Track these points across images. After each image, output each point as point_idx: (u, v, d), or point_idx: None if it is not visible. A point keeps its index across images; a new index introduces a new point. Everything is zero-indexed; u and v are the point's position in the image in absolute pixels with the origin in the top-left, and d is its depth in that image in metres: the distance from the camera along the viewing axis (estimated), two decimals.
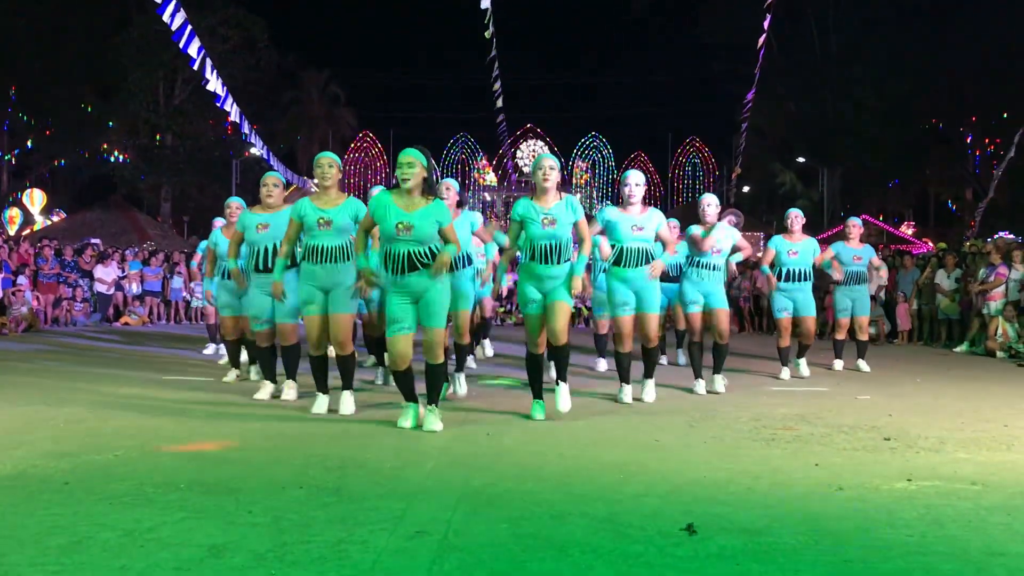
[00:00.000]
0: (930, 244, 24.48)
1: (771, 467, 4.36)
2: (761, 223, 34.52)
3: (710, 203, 7.60)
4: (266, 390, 6.62)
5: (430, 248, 5.15)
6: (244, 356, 7.87)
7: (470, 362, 8.94)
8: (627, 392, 6.66)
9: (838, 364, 9.42)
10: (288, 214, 6.23)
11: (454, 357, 6.94)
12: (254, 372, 7.70)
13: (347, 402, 5.92)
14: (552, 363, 5.97)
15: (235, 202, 8.08)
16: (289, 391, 6.55)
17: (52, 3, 30.46)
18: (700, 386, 7.36)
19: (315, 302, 5.90)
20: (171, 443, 4.82)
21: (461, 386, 6.83)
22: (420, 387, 5.43)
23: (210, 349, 10.28)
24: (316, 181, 6.02)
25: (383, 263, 5.22)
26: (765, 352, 10.92)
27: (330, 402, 5.99)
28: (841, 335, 9.56)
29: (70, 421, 5.48)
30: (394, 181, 5.31)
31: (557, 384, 5.84)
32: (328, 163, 5.94)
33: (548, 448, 4.81)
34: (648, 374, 6.81)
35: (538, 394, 5.90)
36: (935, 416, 6.17)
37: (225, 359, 8.40)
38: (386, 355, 6.12)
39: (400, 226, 5.07)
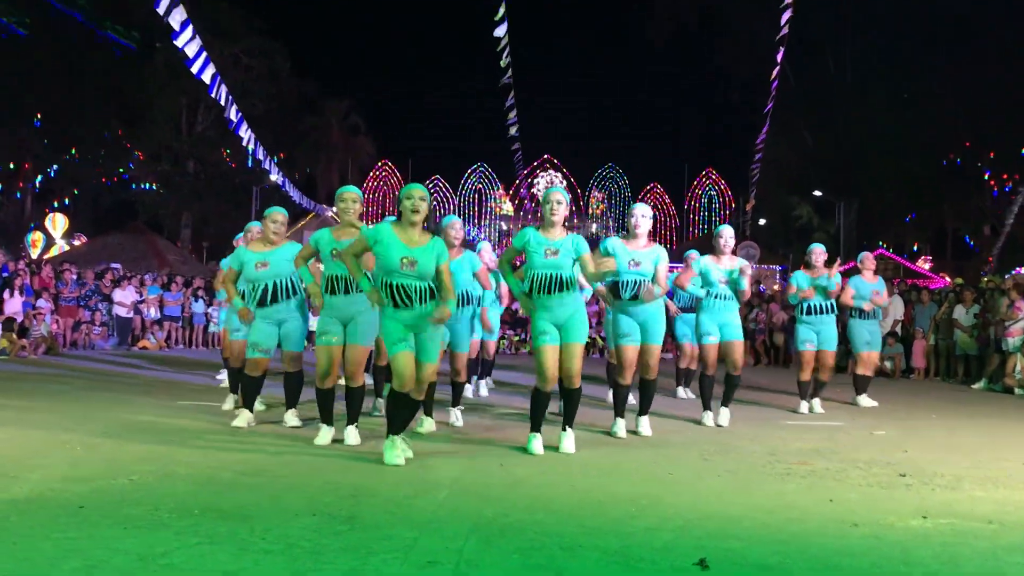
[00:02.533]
0: (947, 279, 24.35)
1: (785, 502, 4.33)
2: (777, 256, 34.43)
3: (723, 235, 7.64)
4: (243, 418, 6.55)
5: (430, 285, 5.15)
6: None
7: (468, 392, 8.93)
8: (621, 425, 6.60)
9: (865, 400, 9.32)
10: (288, 249, 6.45)
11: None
12: (259, 403, 7.62)
13: (352, 435, 5.87)
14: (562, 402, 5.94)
15: (256, 227, 7.91)
16: (292, 418, 6.60)
17: (77, 30, 31.04)
18: (708, 418, 7.35)
19: (332, 332, 5.88)
20: (186, 468, 4.85)
21: (458, 420, 6.88)
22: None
23: (223, 375, 10.29)
24: (337, 214, 6.07)
25: (384, 295, 5.14)
26: (779, 385, 10.87)
27: (334, 433, 5.94)
28: (863, 368, 9.45)
29: (86, 445, 5.52)
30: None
31: (564, 429, 5.74)
32: (353, 199, 6.00)
33: (560, 480, 4.80)
34: (643, 410, 6.76)
35: (536, 427, 5.78)
36: (951, 453, 6.11)
37: (226, 383, 8.36)
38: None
39: (405, 261, 5.07)
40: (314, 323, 6.87)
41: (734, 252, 7.65)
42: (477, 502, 4.17)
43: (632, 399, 8.78)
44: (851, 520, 3.96)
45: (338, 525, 3.64)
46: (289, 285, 6.47)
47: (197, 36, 13.72)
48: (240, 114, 17.39)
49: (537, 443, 5.68)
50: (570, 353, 5.69)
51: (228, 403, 7.70)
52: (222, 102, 15.95)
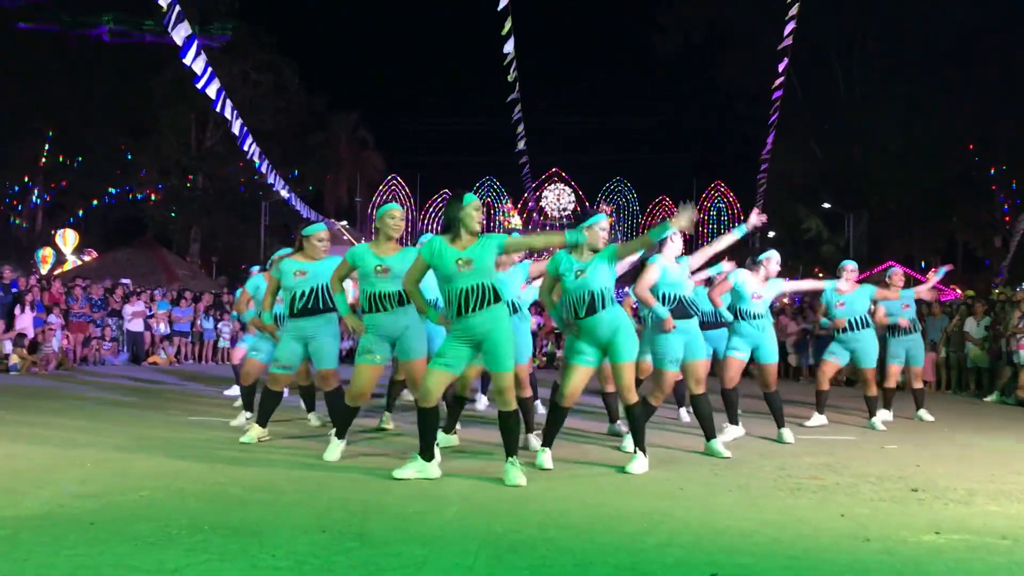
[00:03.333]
0: (958, 291, 24.23)
1: (796, 517, 4.31)
2: (786, 268, 34.32)
3: (771, 257, 7.60)
4: (253, 433, 6.57)
5: (492, 285, 5.11)
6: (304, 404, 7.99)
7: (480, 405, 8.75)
8: (630, 441, 6.42)
9: (888, 415, 9.24)
10: (329, 262, 6.38)
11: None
12: (314, 418, 7.73)
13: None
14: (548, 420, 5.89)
15: (285, 253, 7.58)
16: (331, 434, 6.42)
17: (87, 46, 31.27)
18: (730, 432, 7.30)
19: (376, 351, 5.76)
20: (196, 484, 4.85)
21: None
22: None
23: (233, 390, 10.31)
24: (382, 231, 5.93)
25: (448, 306, 5.13)
26: (789, 397, 10.82)
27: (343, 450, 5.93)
28: (891, 383, 9.43)
29: (97, 461, 5.53)
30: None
31: (635, 453, 5.67)
32: (402, 216, 5.98)
33: (571, 495, 4.79)
34: (708, 434, 6.52)
35: (548, 442, 5.75)
36: (964, 467, 6.07)
37: (240, 401, 8.36)
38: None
39: (460, 262, 5.05)
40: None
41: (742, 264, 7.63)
42: (487, 518, 4.16)
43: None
44: (863, 535, 3.94)
45: (348, 542, 3.64)
46: (322, 295, 6.39)
47: (203, 52, 13.81)
48: (245, 128, 17.45)
49: (546, 457, 5.67)
50: (617, 372, 5.62)
51: (239, 420, 7.71)
52: (227, 115, 16.04)
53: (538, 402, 9.03)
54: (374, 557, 3.41)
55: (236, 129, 16.76)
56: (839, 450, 6.85)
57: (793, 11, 18.93)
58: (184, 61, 13.48)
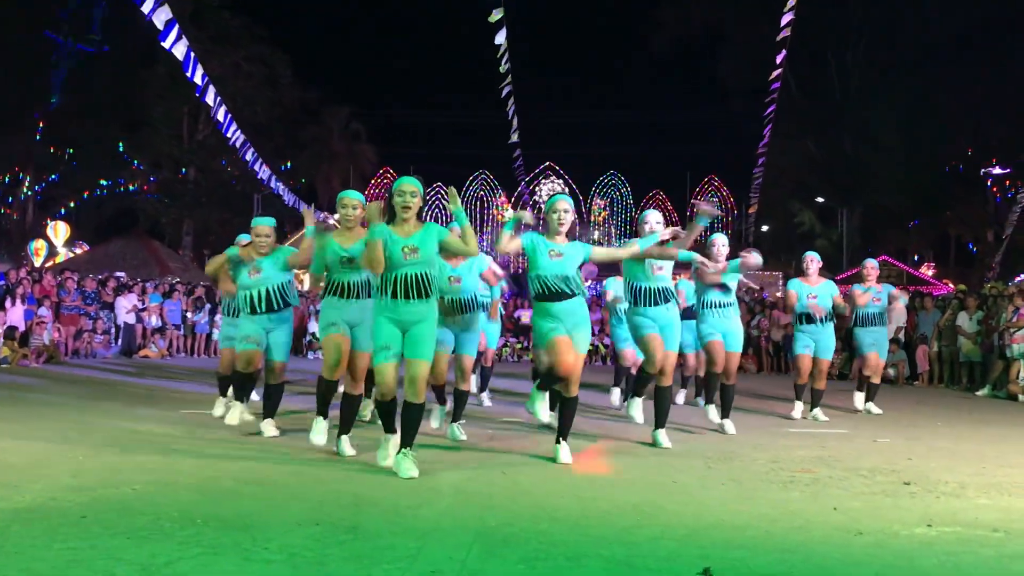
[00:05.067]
0: (950, 285, 24.31)
1: (789, 510, 4.32)
2: (780, 263, 34.40)
3: (724, 243, 7.63)
4: (235, 411, 6.63)
5: (431, 273, 5.08)
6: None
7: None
8: (637, 405, 6.67)
9: (859, 398, 9.37)
10: (281, 252, 6.52)
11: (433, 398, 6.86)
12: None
13: (346, 445, 5.71)
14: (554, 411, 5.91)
15: (246, 239, 7.31)
16: (269, 428, 6.44)
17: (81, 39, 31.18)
18: (729, 426, 7.32)
19: (339, 324, 5.78)
20: (188, 477, 4.83)
21: (461, 434, 6.54)
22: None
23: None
24: (338, 221, 6.04)
25: (384, 290, 5.05)
26: (783, 393, 10.84)
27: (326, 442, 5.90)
28: (868, 370, 9.48)
29: (88, 455, 5.51)
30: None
31: (558, 443, 5.63)
32: (353, 205, 5.93)
33: (564, 488, 4.78)
34: (659, 423, 6.56)
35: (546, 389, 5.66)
36: (956, 460, 6.09)
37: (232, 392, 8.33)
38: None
39: (406, 249, 5.01)
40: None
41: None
42: (480, 511, 4.16)
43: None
44: (855, 529, 3.94)
45: (341, 535, 3.63)
46: (276, 295, 6.45)
47: (183, 36, 13.72)
48: (230, 115, 17.35)
49: (544, 408, 5.64)
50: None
51: (219, 408, 7.68)
52: (208, 101, 16.00)
53: (484, 395, 9.17)
54: (368, 550, 3.41)
55: (220, 116, 16.69)
56: (831, 443, 6.86)
57: (792, 1, 18.99)
58: (163, 45, 13.41)
